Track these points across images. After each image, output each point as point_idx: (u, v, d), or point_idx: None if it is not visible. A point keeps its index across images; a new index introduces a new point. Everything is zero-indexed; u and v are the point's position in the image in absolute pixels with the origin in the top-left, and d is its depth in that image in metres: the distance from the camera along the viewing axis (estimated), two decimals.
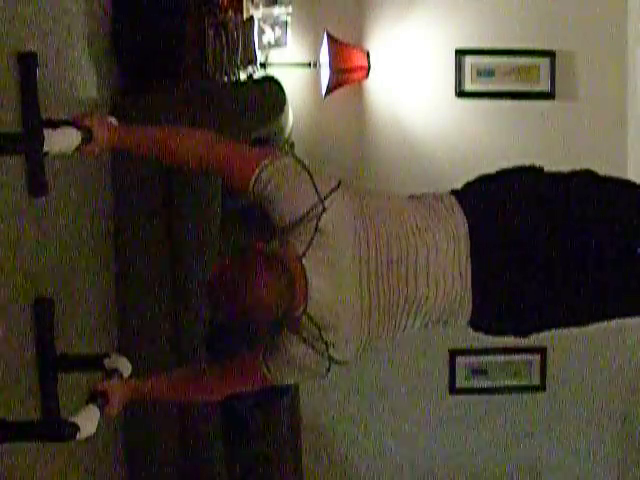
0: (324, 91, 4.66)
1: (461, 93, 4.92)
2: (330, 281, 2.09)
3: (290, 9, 4.52)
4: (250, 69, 4.29)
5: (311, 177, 2.13)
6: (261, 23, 4.43)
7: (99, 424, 2.12)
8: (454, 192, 2.34)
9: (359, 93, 4.88)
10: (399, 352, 4.99)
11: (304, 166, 2.17)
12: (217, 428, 3.53)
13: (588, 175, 2.41)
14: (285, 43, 4.56)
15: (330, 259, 2.09)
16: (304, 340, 2.14)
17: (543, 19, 4.93)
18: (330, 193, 2.13)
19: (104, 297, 3.24)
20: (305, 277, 2.07)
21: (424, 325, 2.26)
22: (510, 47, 4.92)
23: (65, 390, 2.62)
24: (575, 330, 5.11)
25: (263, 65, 4.54)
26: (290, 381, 2.30)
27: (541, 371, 5.13)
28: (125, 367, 2.42)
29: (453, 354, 5.06)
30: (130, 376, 2.45)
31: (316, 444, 5.04)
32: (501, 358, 5.11)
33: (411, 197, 2.33)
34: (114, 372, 2.38)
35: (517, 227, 2.23)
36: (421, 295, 2.18)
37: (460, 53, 4.89)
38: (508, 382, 5.15)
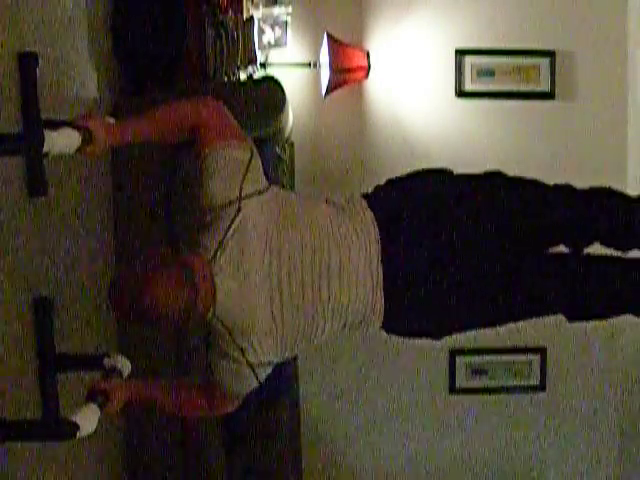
0: (324, 91, 4.66)
1: (461, 93, 4.92)
2: (238, 283, 2.09)
3: (290, 9, 4.52)
4: (250, 69, 4.30)
5: (246, 174, 2.15)
6: (261, 23, 4.43)
7: (99, 423, 2.12)
8: (365, 196, 2.33)
9: (359, 93, 4.88)
10: (399, 352, 4.99)
11: (250, 163, 2.17)
12: (217, 429, 3.53)
13: (498, 176, 2.42)
14: (285, 43, 4.56)
15: (239, 263, 2.09)
16: (219, 354, 2.17)
17: (543, 19, 4.93)
18: (252, 195, 2.14)
19: (104, 297, 3.24)
20: (212, 280, 2.07)
21: (341, 328, 2.25)
22: (510, 47, 4.92)
23: (65, 390, 2.62)
24: (575, 330, 5.13)
25: (263, 65, 4.54)
26: (246, 392, 2.29)
27: (541, 371, 5.13)
28: (125, 367, 2.42)
29: (453, 354, 5.06)
30: (130, 376, 2.46)
31: (316, 444, 5.04)
32: (501, 358, 5.11)
33: (327, 201, 2.31)
34: (114, 371, 2.38)
35: (425, 230, 2.24)
36: (334, 298, 2.18)
37: (460, 53, 4.89)
38: (508, 382, 5.15)
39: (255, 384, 2.22)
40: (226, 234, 2.08)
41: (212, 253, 2.07)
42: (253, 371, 2.18)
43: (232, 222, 2.09)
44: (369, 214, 2.24)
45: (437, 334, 2.40)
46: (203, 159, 2.15)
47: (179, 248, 2.16)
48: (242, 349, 2.14)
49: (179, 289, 2.02)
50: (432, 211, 2.26)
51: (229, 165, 2.14)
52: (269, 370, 2.22)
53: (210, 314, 2.10)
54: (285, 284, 2.14)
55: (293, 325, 2.17)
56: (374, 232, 2.21)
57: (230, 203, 2.10)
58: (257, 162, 2.20)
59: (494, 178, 2.42)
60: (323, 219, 2.21)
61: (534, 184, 2.42)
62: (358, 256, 2.18)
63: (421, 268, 2.21)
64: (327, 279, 2.16)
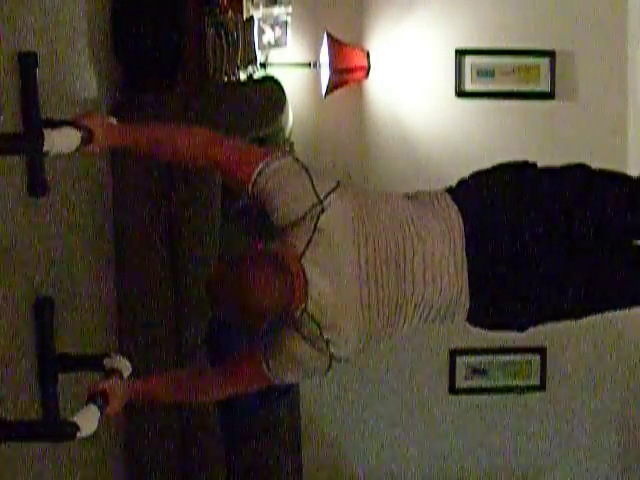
0: (324, 91, 4.66)
1: (461, 93, 4.92)
2: (329, 280, 2.10)
3: (290, 9, 4.52)
4: (250, 69, 4.29)
5: (310, 177, 2.15)
6: (261, 23, 4.42)
7: (99, 424, 2.12)
8: (449, 190, 2.36)
9: (359, 93, 4.88)
10: (399, 352, 4.99)
11: (303, 166, 2.18)
12: (217, 428, 3.53)
13: (582, 169, 2.43)
14: (285, 43, 4.55)
15: (329, 258, 2.11)
16: (304, 338, 2.14)
17: (543, 19, 4.93)
18: (329, 193, 2.14)
19: (104, 297, 3.24)
20: (305, 276, 2.08)
21: (423, 322, 2.27)
22: (510, 47, 4.92)
23: (65, 390, 2.62)
24: (575, 330, 5.13)
25: (263, 65, 4.54)
26: (291, 379, 2.29)
27: (541, 371, 5.13)
28: (125, 367, 2.42)
29: (453, 354, 5.06)
30: (130, 376, 2.46)
31: (316, 444, 5.03)
32: (501, 358, 5.11)
33: (407, 196, 2.34)
34: (114, 372, 2.38)
35: (511, 223, 2.26)
36: (419, 293, 2.20)
37: (460, 53, 4.88)
38: (508, 382, 5.15)
39: (321, 374, 2.23)
40: (313, 233, 2.10)
41: (302, 250, 2.09)
42: (330, 363, 2.19)
43: (317, 221, 2.10)
44: (453, 208, 2.26)
45: (520, 327, 2.49)
46: (255, 183, 2.13)
47: (271, 246, 2.15)
48: (328, 341, 2.14)
49: (282, 287, 2.04)
50: (517, 204, 2.28)
51: (286, 179, 2.14)
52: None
53: (300, 310, 2.10)
54: (372, 281, 2.15)
55: (379, 320, 2.19)
56: (458, 226, 2.23)
57: (312, 207, 2.11)
58: (301, 162, 2.20)
59: (580, 171, 2.42)
60: (403, 212, 2.24)
61: (620, 178, 2.43)
62: (442, 250, 2.20)
63: (506, 261, 2.23)
64: (412, 274, 2.18)
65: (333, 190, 2.16)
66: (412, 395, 5.09)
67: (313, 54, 4.74)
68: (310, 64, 4.71)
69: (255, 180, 2.13)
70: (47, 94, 2.57)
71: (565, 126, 5.00)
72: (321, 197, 2.12)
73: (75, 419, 2.00)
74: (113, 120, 2.26)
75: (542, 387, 5.15)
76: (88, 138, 2.11)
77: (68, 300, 2.80)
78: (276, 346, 2.19)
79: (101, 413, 2.15)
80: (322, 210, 2.11)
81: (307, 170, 2.17)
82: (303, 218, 2.10)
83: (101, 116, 2.24)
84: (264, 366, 2.21)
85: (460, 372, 5.09)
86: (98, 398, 2.18)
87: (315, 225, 2.10)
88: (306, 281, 2.08)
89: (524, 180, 2.40)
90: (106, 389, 2.24)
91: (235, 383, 2.35)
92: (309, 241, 2.09)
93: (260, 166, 2.13)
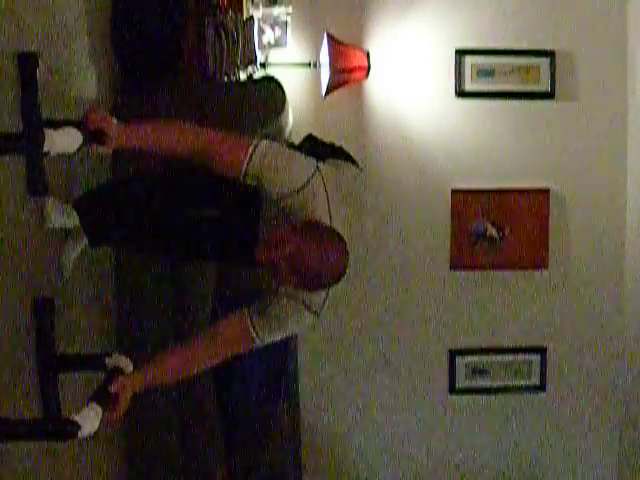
0: (324, 91, 4.66)
1: (461, 93, 4.91)
2: None
3: (290, 9, 4.51)
4: (250, 69, 4.29)
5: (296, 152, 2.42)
6: (261, 23, 4.42)
7: (100, 423, 2.12)
8: None
9: (359, 93, 4.88)
10: (399, 352, 4.99)
11: (284, 145, 2.42)
12: (217, 428, 3.53)
13: None
14: (285, 43, 4.55)
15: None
16: (287, 295, 2.43)
17: (543, 19, 4.93)
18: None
19: (104, 297, 3.24)
20: None
21: None
22: (510, 47, 4.91)
23: (66, 390, 2.62)
24: (575, 330, 5.13)
25: (263, 65, 4.54)
26: (273, 339, 2.53)
27: (541, 371, 5.13)
28: (126, 366, 2.42)
29: (453, 354, 5.06)
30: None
31: (316, 444, 5.03)
32: (501, 358, 5.11)
33: None
34: (115, 371, 2.38)
35: None
36: None
37: (460, 53, 4.88)
38: (508, 382, 5.15)
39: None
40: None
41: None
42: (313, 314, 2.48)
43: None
44: None
45: None
46: (248, 164, 2.35)
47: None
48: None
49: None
50: None
51: (280, 152, 2.38)
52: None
53: None
54: None
55: None
56: None
57: (313, 174, 2.39)
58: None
59: None
60: None
61: None
62: None
63: None
64: None
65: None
66: (412, 395, 5.09)
67: (313, 54, 4.74)
68: (310, 64, 4.71)
69: (248, 163, 2.34)
70: (47, 94, 2.57)
71: (565, 126, 5.00)
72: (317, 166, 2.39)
73: (76, 418, 2.00)
74: (115, 121, 2.29)
75: (542, 387, 5.15)
76: (91, 138, 2.13)
77: (68, 300, 2.80)
78: (264, 308, 2.45)
79: (110, 413, 2.18)
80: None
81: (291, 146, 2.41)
82: (305, 185, 2.36)
83: (110, 117, 2.27)
84: (249, 322, 2.46)
85: (460, 372, 5.09)
86: (105, 401, 2.19)
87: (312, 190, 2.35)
88: None
89: None
90: (116, 392, 2.29)
91: (221, 343, 2.52)
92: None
93: (250, 150, 2.34)
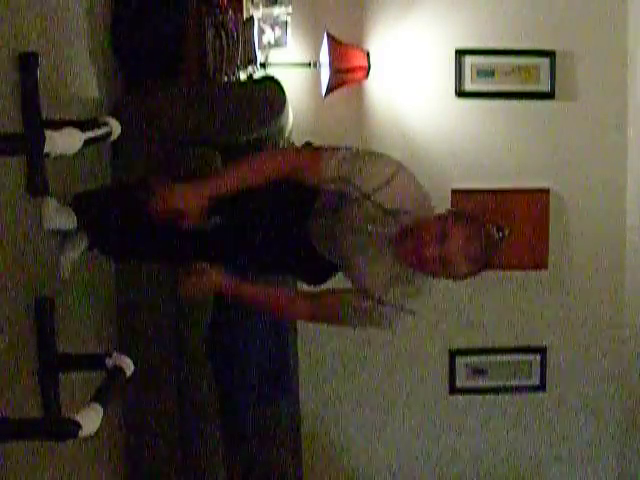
0: (324, 91, 4.66)
1: (461, 93, 4.92)
2: None
3: (290, 9, 4.51)
4: (250, 69, 4.29)
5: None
6: (261, 23, 4.42)
7: (100, 423, 2.12)
8: None
9: (359, 93, 4.88)
10: (399, 352, 5.00)
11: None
12: (217, 428, 3.53)
13: None
14: (285, 43, 4.55)
15: None
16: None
17: (543, 19, 4.93)
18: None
19: (104, 297, 3.24)
20: None
21: None
22: (510, 47, 4.92)
23: (66, 390, 2.62)
24: (575, 330, 5.12)
25: (263, 65, 4.54)
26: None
27: (541, 371, 5.13)
28: (127, 365, 2.42)
29: (453, 354, 5.06)
30: (131, 377, 2.46)
31: (316, 444, 5.04)
32: (501, 358, 5.11)
33: None
34: (116, 370, 2.38)
35: None
36: None
37: (460, 53, 4.89)
38: (508, 382, 5.15)
39: None
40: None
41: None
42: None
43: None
44: None
45: None
46: (326, 170, 2.40)
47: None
48: None
49: None
50: None
51: (357, 154, 2.42)
52: None
53: None
54: None
55: None
56: None
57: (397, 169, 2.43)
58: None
59: None
60: None
61: None
62: None
63: None
64: None
65: None
66: (412, 395, 5.10)
67: (313, 54, 4.74)
68: (310, 64, 4.71)
69: (328, 164, 2.38)
70: (47, 94, 2.57)
71: (565, 126, 5.00)
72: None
73: (77, 418, 2.00)
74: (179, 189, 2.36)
75: (542, 387, 5.16)
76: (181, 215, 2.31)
77: (68, 300, 2.80)
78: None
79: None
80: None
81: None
82: (393, 176, 2.39)
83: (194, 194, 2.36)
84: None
85: (460, 372, 5.10)
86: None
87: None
88: None
89: None
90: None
91: (323, 315, 2.58)
92: None
93: (324, 158, 2.39)
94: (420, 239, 2.28)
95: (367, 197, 2.36)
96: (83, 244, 2.81)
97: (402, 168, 2.44)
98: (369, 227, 2.39)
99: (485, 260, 2.32)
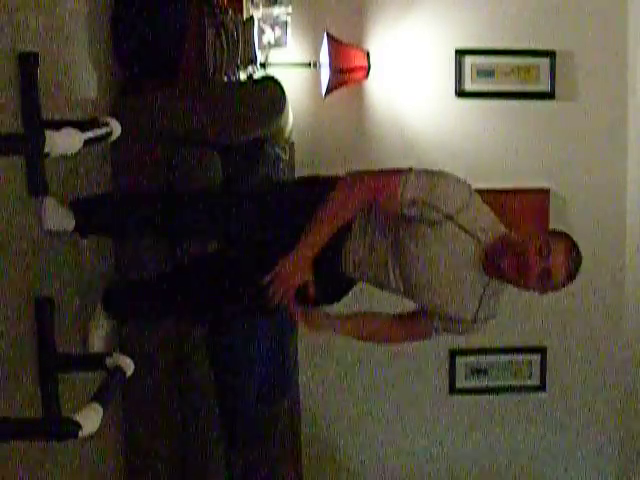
0: (324, 91, 4.66)
1: (461, 93, 4.92)
2: None
3: (290, 9, 4.51)
4: (250, 69, 4.29)
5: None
6: (261, 23, 4.42)
7: (100, 423, 2.12)
8: None
9: (359, 93, 4.88)
10: (399, 353, 4.99)
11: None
12: (217, 428, 3.53)
13: None
14: (285, 43, 4.55)
15: None
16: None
17: (543, 19, 4.93)
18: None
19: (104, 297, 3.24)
20: None
21: None
22: (510, 47, 4.92)
23: (66, 390, 2.62)
24: (575, 330, 5.12)
25: (263, 65, 4.54)
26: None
27: (541, 371, 5.13)
28: (127, 365, 2.42)
29: (453, 354, 5.06)
30: (131, 377, 2.45)
31: (316, 443, 5.04)
32: (501, 358, 5.12)
33: None
34: (116, 370, 2.38)
35: None
36: None
37: (460, 53, 4.89)
38: (508, 382, 5.15)
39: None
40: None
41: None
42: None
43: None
44: None
45: None
46: (403, 194, 2.44)
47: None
48: None
49: None
50: None
51: (433, 175, 2.51)
52: None
53: None
54: None
55: None
56: None
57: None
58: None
59: None
60: None
61: None
62: None
63: None
64: None
65: None
66: (412, 395, 5.10)
67: (313, 54, 4.74)
68: (310, 64, 4.71)
69: (404, 189, 2.43)
70: (47, 94, 2.57)
71: (565, 126, 5.00)
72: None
73: (77, 418, 1.99)
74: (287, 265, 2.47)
75: (542, 387, 5.16)
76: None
77: (68, 300, 2.80)
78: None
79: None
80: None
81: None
82: (469, 198, 2.51)
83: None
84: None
85: (460, 372, 5.10)
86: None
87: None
88: None
89: None
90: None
91: (408, 335, 2.72)
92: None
93: (401, 183, 2.45)
94: (524, 254, 2.40)
95: (450, 218, 2.42)
96: (109, 321, 2.87)
97: (471, 186, 2.55)
98: (452, 247, 2.44)
99: (576, 274, 2.55)
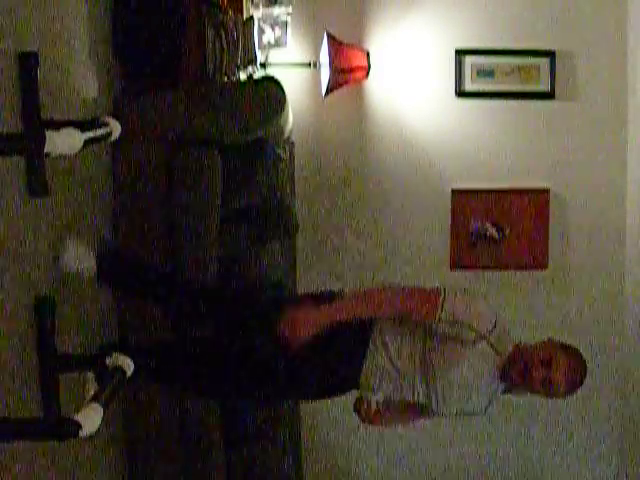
0: (324, 91, 4.66)
1: (461, 93, 4.92)
2: None
3: (290, 9, 4.51)
4: (250, 69, 4.29)
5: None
6: (261, 23, 4.42)
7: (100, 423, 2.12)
8: None
9: (359, 93, 4.88)
10: None
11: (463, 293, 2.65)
12: (217, 428, 3.53)
13: None
14: (285, 43, 4.55)
15: None
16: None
17: (543, 19, 4.93)
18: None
19: (104, 297, 3.24)
20: None
21: None
22: (510, 47, 4.91)
23: (66, 390, 2.62)
24: (575, 330, 5.11)
25: (263, 65, 4.54)
26: None
27: None
28: (127, 365, 2.42)
29: None
30: (131, 377, 2.45)
31: (316, 444, 5.03)
32: None
33: None
34: (116, 370, 2.38)
35: None
36: None
37: (460, 53, 4.88)
38: None
39: None
40: None
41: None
42: None
43: None
44: None
45: None
46: (442, 313, 2.57)
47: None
48: None
49: None
50: None
51: (467, 299, 2.64)
52: None
53: None
54: None
55: None
56: None
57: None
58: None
59: None
60: None
61: None
62: None
63: None
64: None
65: None
66: None
67: (313, 54, 4.74)
68: (310, 64, 4.71)
69: (441, 312, 2.56)
70: (47, 94, 2.57)
71: (565, 126, 5.00)
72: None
73: (77, 417, 1.99)
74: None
75: None
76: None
77: (68, 300, 2.80)
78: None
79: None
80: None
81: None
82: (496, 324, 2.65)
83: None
84: None
85: None
86: None
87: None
88: None
89: None
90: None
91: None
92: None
93: (440, 303, 2.56)
94: (528, 363, 2.65)
95: (484, 338, 2.60)
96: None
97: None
98: (481, 365, 2.64)
99: (580, 385, 2.87)
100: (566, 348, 2.81)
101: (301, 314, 2.55)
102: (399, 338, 2.65)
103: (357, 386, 2.72)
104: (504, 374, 2.69)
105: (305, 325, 2.54)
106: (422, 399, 2.68)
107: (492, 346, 2.63)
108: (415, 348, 2.63)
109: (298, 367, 2.68)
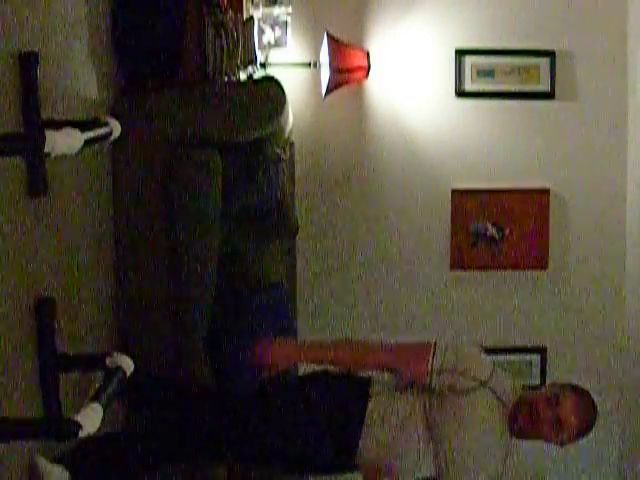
0: (324, 91, 4.66)
1: (461, 93, 4.92)
2: None
3: (290, 9, 4.51)
4: (250, 69, 4.29)
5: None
6: (261, 23, 4.42)
7: (101, 423, 2.12)
8: None
9: (359, 93, 4.88)
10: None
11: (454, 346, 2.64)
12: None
13: None
14: (285, 43, 4.55)
15: None
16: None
17: (543, 19, 4.93)
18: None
19: (104, 297, 3.24)
20: None
21: None
22: (510, 47, 4.92)
23: (66, 390, 2.62)
24: (575, 330, 5.11)
25: (263, 65, 4.54)
26: None
27: (541, 371, 5.13)
28: (127, 365, 2.42)
29: None
30: (131, 376, 2.45)
31: None
32: (501, 358, 5.10)
33: None
34: (116, 370, 2.38)
35: None
36: None
37: (460, 53, 4.89)
38: None
39: None
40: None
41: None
42: None
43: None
44: None
45: None
46: (431, 371, 2.58)
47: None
48: None
49: None
50: None
51: (459, 351, 2.62)
52: None
53: None
54: None
55: None
56: None
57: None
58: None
59: None
60: None
61: None
62: None
63: None
64: None
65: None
66: None
67: (313, 54, 4.74)
68: (310, 64, 4.71)
69: (431, 370, 2.56)
70: (47, 94, 2.57)
71: (565, 126, 5.00)
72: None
73: (77, 418, 2.00)
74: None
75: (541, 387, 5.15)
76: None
77: (68, 300, 2.80)
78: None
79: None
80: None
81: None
82: (491, 376, 2.60)
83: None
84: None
85: None
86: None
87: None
88: None
89: None
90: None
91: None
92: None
93: (429, 360, 2.56)
94: (534, 403, 2.58)
95: (484, 384, 2.56)
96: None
97: (496, 370, 2.66)
98: (484, 415, 2.59)
99: (592, 423, 2.66)
100: (573, 386, 2.71)
101: (280, 339, 2.63)
102: (396, 402, 2.61)
103: (352, 467, 2.69)
104: (512, 424, 2.65)
105: (282, 348, 2.61)
106: (433, 472, 2.65)
107: (495, 394, 2.58)
108: (415, 408, 2.60)
109: (281, 428, 2.70)
